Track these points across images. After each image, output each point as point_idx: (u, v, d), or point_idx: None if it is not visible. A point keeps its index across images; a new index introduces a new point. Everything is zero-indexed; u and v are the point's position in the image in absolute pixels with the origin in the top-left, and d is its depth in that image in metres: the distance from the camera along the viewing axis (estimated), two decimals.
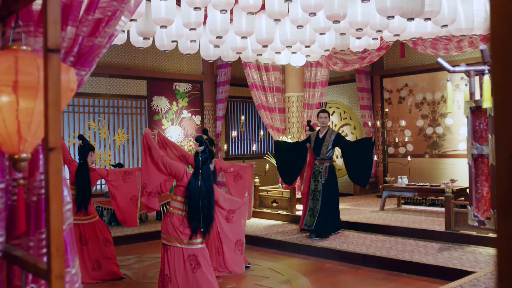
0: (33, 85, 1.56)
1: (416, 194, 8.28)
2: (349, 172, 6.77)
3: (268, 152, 11.33)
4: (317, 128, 7.13)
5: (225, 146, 11.13)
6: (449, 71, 6.64)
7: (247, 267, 5.52)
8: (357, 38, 6.63)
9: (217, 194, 4.29)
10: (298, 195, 8.43)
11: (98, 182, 9.29)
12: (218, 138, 10.72)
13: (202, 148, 4.06)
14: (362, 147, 6.62)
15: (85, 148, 5.24)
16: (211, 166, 4.22)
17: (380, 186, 9.56)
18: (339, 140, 6.82)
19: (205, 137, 4.51)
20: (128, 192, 5.26)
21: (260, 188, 9.05)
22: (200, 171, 4.04)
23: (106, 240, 5.23)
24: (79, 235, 5.07)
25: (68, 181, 5.19)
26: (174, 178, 4.22)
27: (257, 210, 8.65)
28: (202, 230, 4.04)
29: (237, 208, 4.72)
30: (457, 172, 9.34)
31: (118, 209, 5.33)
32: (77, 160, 5.37)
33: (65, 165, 5.21)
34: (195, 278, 4.06)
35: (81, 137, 5.41)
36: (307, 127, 7.44)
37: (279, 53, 7.39)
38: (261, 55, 7.25)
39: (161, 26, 5.55)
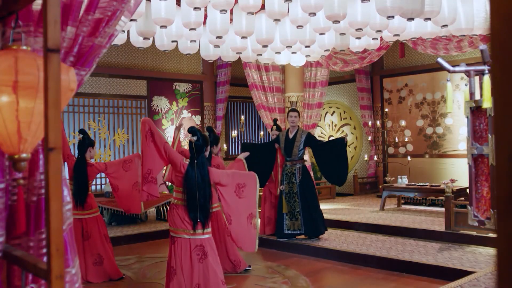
0: (33, 85, 1.56)
1: (416, 194, 8.28)
2: (323, 173, 6.62)
3: None
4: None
5: (225, 146, 11.12)
6: (449, 71, 6.65)
7: (247, 269, 5.50)
8: (357, 38, 6.62)
9: (216, 176, 4.15)
10: None
11: (98, 182, 9.31)
12: None
13: (195, 138, 4.05)
14: (335, 149, 6.35)
15: (85, 143, 5.21)
16: (206, 154, 4.15)
17: (380, 186, 9.56)
18: (310, 140, 6.60)
19: (207, 133, 4.50)
20: (129, 180, 5.24)
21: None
22: (196, 161, 4.03)
23: (106, 237, 5.24)
24: (81, 230, 5.05)
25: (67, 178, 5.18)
26: (172, 166, 4.25)
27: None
28: (199, 220, 4.03)
29: (246, 180, 4.38)
30: (457, 172, 9.34)
31: (120, 199, 5.32)
32: (76, 156, 5.35)
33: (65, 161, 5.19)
34: (202, 268, 4.06)
35: (82, 131, 5.36)
36: (274, 126, 7.18)
37: (279, 53, 7.37)
38: (261, 55, 7.23)
39: (161, 26, 5.54)
